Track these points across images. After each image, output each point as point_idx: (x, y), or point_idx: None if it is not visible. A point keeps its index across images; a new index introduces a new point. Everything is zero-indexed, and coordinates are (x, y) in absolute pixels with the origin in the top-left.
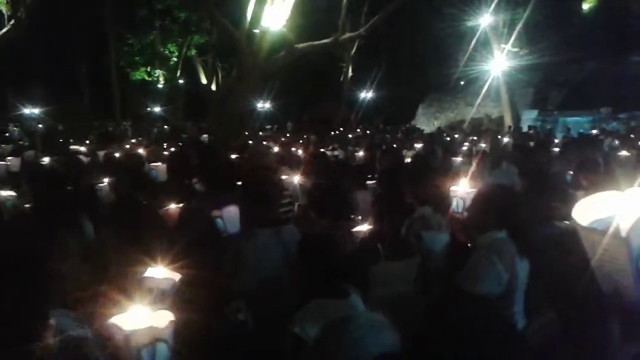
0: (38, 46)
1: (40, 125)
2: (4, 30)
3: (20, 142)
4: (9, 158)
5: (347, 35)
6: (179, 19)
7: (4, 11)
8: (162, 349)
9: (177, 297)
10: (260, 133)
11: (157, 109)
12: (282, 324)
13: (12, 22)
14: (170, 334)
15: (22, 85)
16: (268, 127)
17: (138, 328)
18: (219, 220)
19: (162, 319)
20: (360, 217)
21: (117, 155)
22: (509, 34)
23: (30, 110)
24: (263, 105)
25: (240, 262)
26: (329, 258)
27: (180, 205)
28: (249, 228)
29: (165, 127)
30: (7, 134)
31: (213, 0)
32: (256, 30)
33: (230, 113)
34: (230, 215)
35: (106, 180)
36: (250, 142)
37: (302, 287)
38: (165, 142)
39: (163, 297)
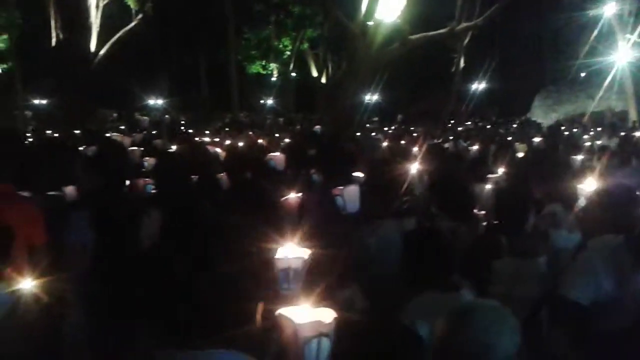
0: (162, 40)
1: (167, 116)
2: (132, 24)
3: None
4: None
5: (464, 25)
6: (293, 13)
7: (132, 7)
8: (326, 343)
9: (307, 276)
10: (367, 125)
11: (269, 101)
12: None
13: (139, 16)
14: (333, 330)
15: (146, 77)
16: (375, 119)
17: (305, 322)
18: (338, 199)
19: (327, 314)
20: (482, 212)
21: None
22: (635, 24)
23: (155, 101)
24: (371, 97)
25: (362, 252)
26: (437, 251)
27: (299, 195)
28: (371, 219)
29: (279, 118)
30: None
31: None
32: (370, 22)
33: (340, 105)
34: (350, 194)
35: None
36: (358, 134)
37: (410, 279)
38: (277, 133)
39: (295, 276)
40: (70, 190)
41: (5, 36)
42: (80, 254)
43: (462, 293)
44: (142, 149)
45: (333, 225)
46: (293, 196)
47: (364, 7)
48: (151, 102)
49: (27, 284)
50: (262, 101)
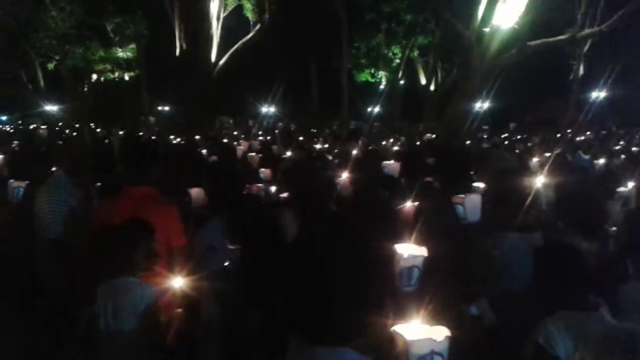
0: (276, 49)
1: (280, 123)
2: (250, 35)
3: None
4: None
5: (587, 31)
6: (404, 20)
7: (250, 18)
8: None
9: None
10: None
11: (376, 109)
12: (523, 332)
13: (257, 27)
14: (446, 348)
15: (260, 85)
16: (486, 127)
17: (418, 338)
18: (459, 207)
19: (440, 332)
20: (613, 228)
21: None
22: None
23: (267, 109)
24: (482, 105)
25: (486, 265)
26: (576, 269)
27: (416, 203)
28: (498, 230)
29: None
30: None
31: (443, 1)
32: (486, 29)
33: (451, 113)
34: (471, 202)
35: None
36: (469, 142)
37: (545, 297)
38: (384, 141)
39: (416, 273)
40: (197, 194)
41: (133, 46)
42: (208, 256)
43: (603, 313)
44: (260, 155)
45: (452, 234)
46: (409, 204)
47: (480, 13)
48: (264, 109)
49: (173, 281)
50: (369, 109)
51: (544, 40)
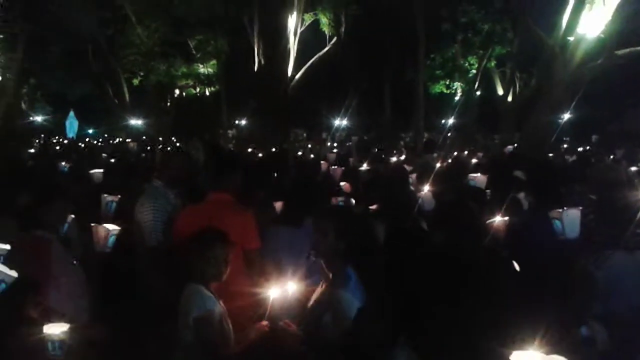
0: (350, 62)
1: (355, 137)
2: (325, 49)
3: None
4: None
5: None
6: (482, 30)
7: (326, 32)
8: None
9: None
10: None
11: (450, 120)
12: None
13: (333, 41)
14: None
15: (334, 97)
16: (566, 139)
17: None
18: (556, 222)
19: None
20: None
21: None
22: None
23: (340, 121)
24: (562, 117)
25: (589, 286)
26: None
27: (506, 218)
28: (599, 249)
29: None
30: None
31: (524, 10)
32: (570, 37)
33: (532, 125)
34: (570, 217)
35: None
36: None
37: None
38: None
39: None
40: (279, 205)
41: (214, 62)
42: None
43: None
44: (340, 168)
45: (546, 251)
46: (499, 219)
47: (564, 22)
48: (337, 122)
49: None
50: (442, 120)
51: (632, 49)
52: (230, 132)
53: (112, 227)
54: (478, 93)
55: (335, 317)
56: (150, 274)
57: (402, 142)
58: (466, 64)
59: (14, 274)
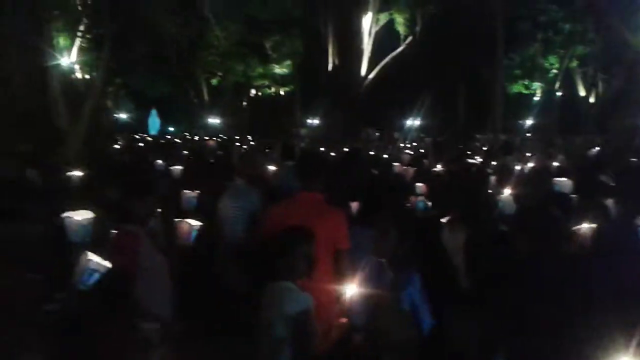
0: (424, 61)
1: (428, 138)
2: (400, 49)
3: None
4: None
5: None
6: (563, 30)
7: (400, 32)
8: None
9: None
10: None
11: (528, 122)
12: None
13: (408, 40)
14: None
15: (407, 97)
16: None
17: None
18: None
19: None
20: None
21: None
22: None
23: (412, 121)
24: None
25: None
26: None
27: (593, 225)
28: None
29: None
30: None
31: (607, 9)
32: None
33: (618, 126)
34: None
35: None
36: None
37: None
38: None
39: None
40: (354, 206)
41: (289, 62)
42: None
43: None
44: (413, 168)
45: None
46: (586, 226)
47: None
48: (409, 122)
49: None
50: (520, 121)
51: None
52: (303, 131)
53: (195, 222)
54: (558, 94)
55: (396, 317)
56: (230, 269)
57: (478, 144)
58: (547, 64)
59: (107, 264)
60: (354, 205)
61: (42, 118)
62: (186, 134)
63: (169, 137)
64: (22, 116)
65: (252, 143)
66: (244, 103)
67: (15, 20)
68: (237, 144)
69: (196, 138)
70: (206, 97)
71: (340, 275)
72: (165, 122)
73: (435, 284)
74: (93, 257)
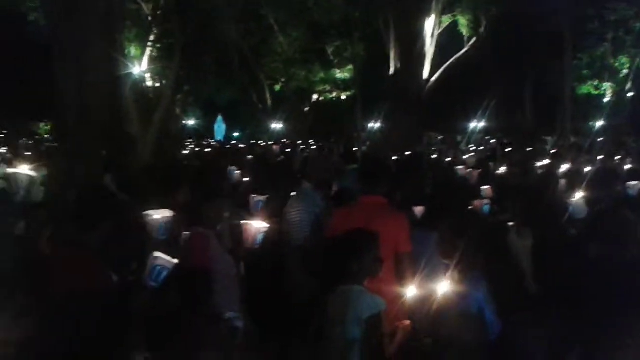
0: (489, 63)
1: (493, 140)
2: (464, 50)
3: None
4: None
5: None
6: (634, 29)
7: (464, 33)
8: None
9: None
10: None
11: (598, 123)
12: None
13: (472, 42)
14: None
15: (471, 100)
16: None
17: None
18: None
19: None
20: None
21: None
22: None
23: (476, 124)
24: None
25: None
26: None
27: None
28: None
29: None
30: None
31: None
32: None
33: None
34: None
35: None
36: None
37: None
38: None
39: None
40: (419, 210)
41: (350, 67)
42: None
43: None
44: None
45: None
46: None
47: None
48: (472, 124)
49: (404, 290)
50: (589, 123)
51: None
52: (364, 135)
53: (261, 225)
54: (630, 94)
55: (462, 321)
56: (296, 272)
57: (546, 146)
58: (617, 64)
59: (173, 261)
60: (418, 210)
61: (116, 125)
62: (253, 141)
63: (234, 142)
64: (98, 124)
65: (314, 147)
66: (306, 108)
67: (90, 31)
68: (300, 148)
69: (260, 143)
70: (269, 102)
71: (402, 277)
72: (230, 127)
73: (501, 289)
74: (160, 255)
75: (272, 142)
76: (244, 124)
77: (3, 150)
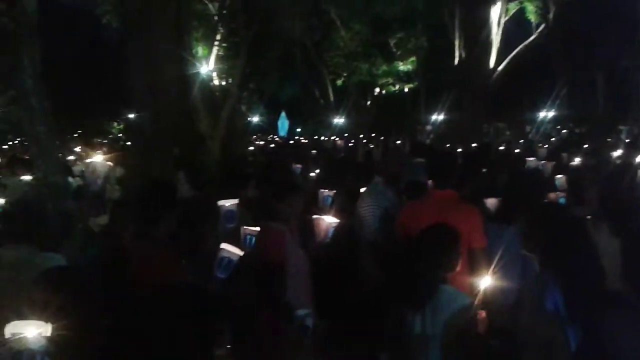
0: (559, 50)
1: (564, 130)
2: (532, 37)
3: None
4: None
5: None
6: None
7: (532, 20)
8: None
9: None
10: None
11: None
12: None
13: (540, 29)
14: None
15: (539, 88)
16: None
17: None
18: None
19: None
20: None
21: None
22: None
23: (545, 113)
24: None
25: None
26: None
27: None
28: None
29: None
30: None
31: None
32: None
33: None
34: None
35: None
36: None
37: None
38: None
39: None
40: (491, 202)
41: (413, 58)
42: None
43: None
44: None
45: None
46: None
47: None
48: (542, 114)
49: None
50: None
51: None
52: (428, 128)
53: (332, 220)
54: None
55: (539, 316)
56: (368, 266)
57: (621, 136)
58: None
59: (239, 252)
60: (490, 202)
61: (185, 124)
62: (316, 137)
63: (297, 137)
64: (170, 122)
65: (380, 140)
66: (368, 102)
67: (161, 33)
68: (363, 142)
69: (322, 138)
70: (331, 97)
71: (476, 272)
72: (292, 123)
73: (582, 286)
74: (226, 247)
75: (336, 137)
76: (306, 120)
77: (78, 149)
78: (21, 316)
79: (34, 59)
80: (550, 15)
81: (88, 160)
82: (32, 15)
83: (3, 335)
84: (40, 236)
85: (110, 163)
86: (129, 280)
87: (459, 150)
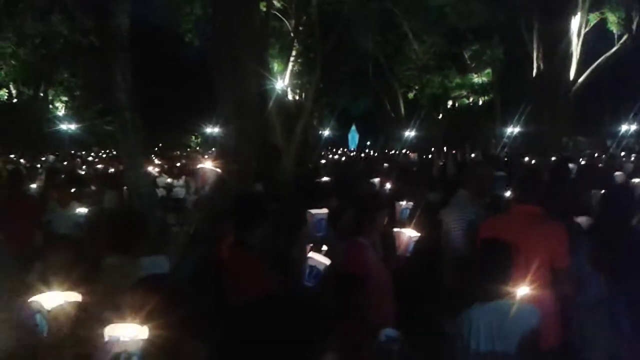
0: None
1: None
2: (614, 49)
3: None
4: None
5: None
6: None
7: (614, 31)
8: None
9: None
10: None
11: None
12: None
13: (623, 39)
14: None
15: (619, 100)
16: None
17: None
18: None
19: None
20: None
21: None
22: None
23: (627, 127)
24: None
25: None
26: None
27: None
28: None
29: None
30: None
31: None
32: None
33: None
34: None
35: None
36: None
37: None
38: None
39: None
40: (583, 220)
41: (488, 70)
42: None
43: None
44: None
45: None
46: None
47: None
48: (623, 127)
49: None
50: None
51: None
52: (504, 140)
53: (413, 233)
54: None
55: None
56: (452, 280)
57: None
58: None
59: (326, 261)
60: (582, 220)
61: (262, 138)
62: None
63: (367, 150)
64: (251, 137)
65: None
66: (440, 115)
67: (246, 50)
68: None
69: (393, 152)
70: (402, 110)
71: (560, 292)
72: (363, 137)
73: None
74: (314, 255)
75: (409, 150)
76: (376, 133)
77: (159, 162)
78: (121, 319)
79: (127, 75)
80: (633, 26)
81: (199, 166)
82: (125, 34)
83: (102, 337)
84: (141, 244)
85: (219, 170)
86: (224, 287)
87: (533, 162)
